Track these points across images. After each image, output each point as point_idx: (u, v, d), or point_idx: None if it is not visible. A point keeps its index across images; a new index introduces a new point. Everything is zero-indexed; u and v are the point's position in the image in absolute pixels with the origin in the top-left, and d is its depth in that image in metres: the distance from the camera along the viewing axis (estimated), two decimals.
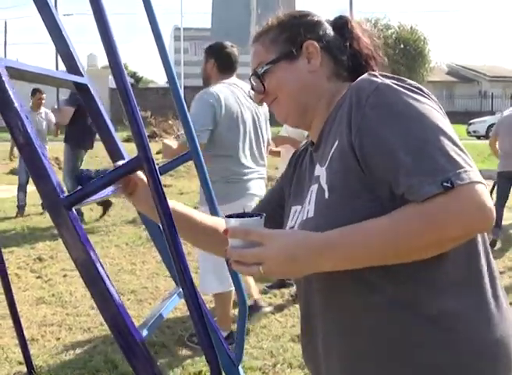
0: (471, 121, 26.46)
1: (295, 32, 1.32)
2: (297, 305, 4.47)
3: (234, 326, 3.26)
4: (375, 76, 1.19)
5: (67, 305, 4.66)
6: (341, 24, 1.36)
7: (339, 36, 1.35)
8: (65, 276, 5.40)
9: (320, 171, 1.23)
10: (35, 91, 8.73)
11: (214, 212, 1.94)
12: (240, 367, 2.02)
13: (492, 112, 30.08)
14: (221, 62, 3.77)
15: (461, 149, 1.05)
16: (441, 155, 1.02)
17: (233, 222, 1.12)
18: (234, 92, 3.72)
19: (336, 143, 1.18)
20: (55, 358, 3.66)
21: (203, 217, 1.53)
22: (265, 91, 1.33)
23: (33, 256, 6.07)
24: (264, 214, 1.16)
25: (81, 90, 1.89)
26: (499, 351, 1.14)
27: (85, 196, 1.31)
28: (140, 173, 1.40)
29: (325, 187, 1.18)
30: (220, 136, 3.61)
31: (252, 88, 1.37)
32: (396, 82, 1.16)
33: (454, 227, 1.00)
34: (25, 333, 3.48)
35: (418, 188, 1.01)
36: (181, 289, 1.79)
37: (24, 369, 3.43)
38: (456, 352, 1.11)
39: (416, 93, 1.14)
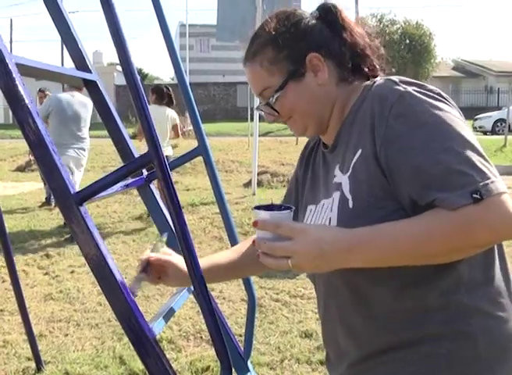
0: (477, 116, 26.34)
1: (294, 47, 1.27)
2: (305, 301, 4.49)
3: (243, 322, 3.26)
4: (395, 83, 1.18)
5: (75, 301, 4.67)
6: (331, 17, 1.30)
7: (333, 31, 1.29)
8: (72, 272, 5.41)
9: (342, 179, 1.22)
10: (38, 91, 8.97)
11: (221, 204, 1.95)
12: (248, 362, 2.04)
13: (498, 108, 29.97)
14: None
15: (486, 159, 1.07)
16: (469, 167, 1.04)
17: (263, 214, 1.12)
18: (70, 97, 7.00)
19: (360, 152, 1.18)
20: (63, 354, 3.66)
21: (229, 259, 1.50)
22: (279, 114, 1.31)
23: (40, 253, 6.08)
24: (294, 207, 1.17)
25: (90, 86, 1.90)
26: (510, 344, 1.18)
27: (96, 192, 1.31)
28: (165, 256, 1.40)
29: (349, 196, 1.18)
30: (54, 118, 6.89)
31: (261, 110, 1.34)
32: (417, 89, 1.15)
33: (482, 236, 1.04)
34: (33, 329, 3.50)
35: (448, 200, 1.03)
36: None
37: (33, 364, 3.45)
38: (472, 344, 1.16)
39: (437, 100, 1.14)
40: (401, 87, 1.15)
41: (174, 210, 1.24)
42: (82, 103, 6.95)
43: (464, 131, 1.09)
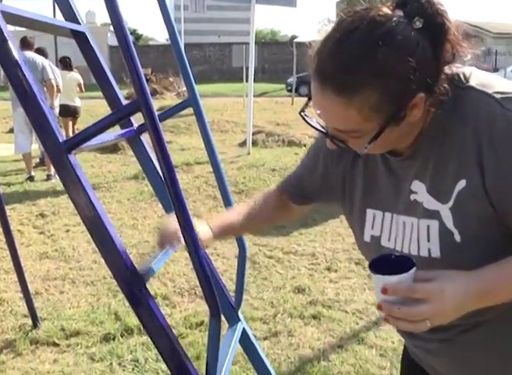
0: None
1: (403, 90, 1.02)
2: (298, 257, 4.52)
3: (234, 276, 3.30)
4: (498, 102, 1.06)
5: (70, 259, 4.71)
6: (437, 27, 1.03)
7: (435, 50, 1.03)
8: (67, 231, 5.44)
9: (439, 207, 1.15)
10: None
11: (213, 160, 1.95)
12: (239, 312, 2.06)
13: (495, 69, 29.76)
14: (22, 42, 7.82)
15: None
16: None
17: (390, 279, 1.02)
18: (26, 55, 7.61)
19: (464, 183, 1.10)
20: (59, 310, 3.71)
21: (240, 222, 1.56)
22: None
23: (35, 212, 6.11)
24: (415, 263, 1.05)
25: (79, 38, 1.87)
26: None
27: (84, 140, 1.31)
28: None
29: (454, 230, 1.13)
30: None
31: (331, 137, 1.14)
32: None
33: None
34: (29, 287, 3.53)
35: None
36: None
37: (29, 321, 3.49)
38: None
39: None
40: (507, 110, 1.05)
41: (162, 157, 1.24)
42: (31, 60, 7.65)
43: None
